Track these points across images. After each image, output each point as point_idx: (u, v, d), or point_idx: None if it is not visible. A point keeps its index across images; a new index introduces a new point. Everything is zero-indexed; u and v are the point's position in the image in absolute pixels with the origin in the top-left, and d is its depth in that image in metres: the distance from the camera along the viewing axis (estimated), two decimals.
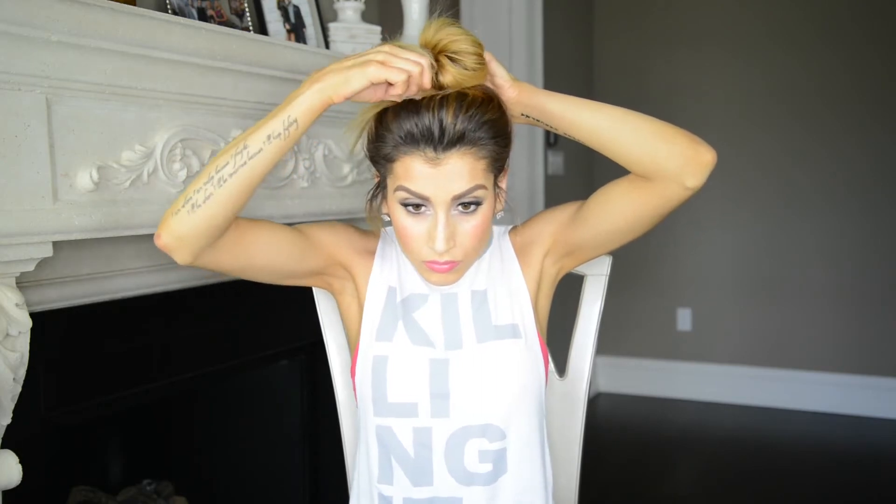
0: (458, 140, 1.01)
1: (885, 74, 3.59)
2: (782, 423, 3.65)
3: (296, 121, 1.00)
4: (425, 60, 0.98)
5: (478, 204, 1.06)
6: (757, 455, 3.25)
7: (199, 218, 1.02)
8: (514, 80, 1.08)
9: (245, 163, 1.00)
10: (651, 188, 1.06)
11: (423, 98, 1.01)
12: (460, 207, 1.05)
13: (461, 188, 1.03)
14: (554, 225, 1.19)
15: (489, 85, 1.08)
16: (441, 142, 1.00)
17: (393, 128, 1.03)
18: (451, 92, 1.01)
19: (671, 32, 3.94)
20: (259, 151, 1.00)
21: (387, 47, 0.99)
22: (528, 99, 1.08)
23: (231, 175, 1.01)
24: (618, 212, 1.11)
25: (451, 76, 1.01)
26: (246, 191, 1.03)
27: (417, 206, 1.05)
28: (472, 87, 1.04)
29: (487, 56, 1.05)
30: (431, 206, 1.05)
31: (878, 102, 3.61)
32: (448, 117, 1.00)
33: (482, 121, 1.02)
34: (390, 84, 0.98)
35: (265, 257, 1.12)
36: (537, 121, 1.10)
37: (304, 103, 1.00)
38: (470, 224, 1.07)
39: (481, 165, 1.04)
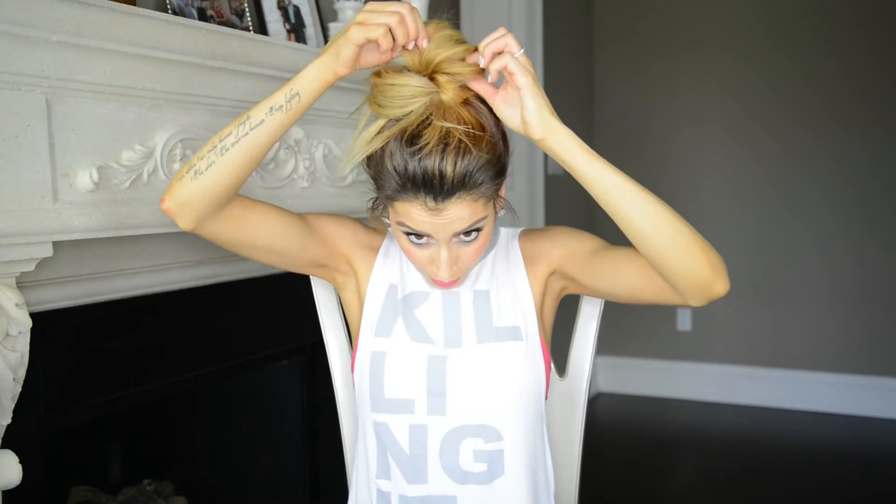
0: (458, 188, 1.00)
1: (885, 74, 3.59)
2: (782, 423, 3.65)
3: (297, 94, 1.01)
4: (404, 8, 0.97)
5: (479, 230, 1.06)
6: (757, 455, 3.25)
7: (200, 184, 1.03)
8: (547, 119, 1.00)
9: (247, 133, 1.02)
10: (656, 285, 1.08)
11: (420, 147, 0.98)
12: (462, 236, 1.06)
13: (462, 227, 1.03)
14: (567, 252, 1.18)
15: (510, 117, 1.02)
16: (441, 192, 0.99)
17: (392, 174, 1.01)
18: (448, 139, 0.98)
19: (671, 33, 3.94)
20: (261, 122, 1.02)
21: (368, 6, 0.99)
22: (554, 145, 1.01)
23: (233, 144, 1.02)
24: (620, 285, 1.13)
25: (450, 93, 1.00)
26: (247, 161, 1.03)
27: (419, 236, 1.06)
28: (467, 99, 1.02)
29: (525, 82, 0.99)
30: (433, 239, 1.05)
31: (878, 102, 3.61)
32: (447, 168, 0.98)
33: (480, 165, 1.00)
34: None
35: (266, 238, 1.13)
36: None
37: (307, 76, 1.01)
38: (472, 247, 1.08)
39: (481, 202, 1.03)
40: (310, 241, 1.17)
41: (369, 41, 0.97)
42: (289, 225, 1.14)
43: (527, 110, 1.00)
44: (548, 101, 1.01)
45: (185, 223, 1.07)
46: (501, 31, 1.00)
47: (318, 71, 1.01)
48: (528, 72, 0.99)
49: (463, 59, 1.01)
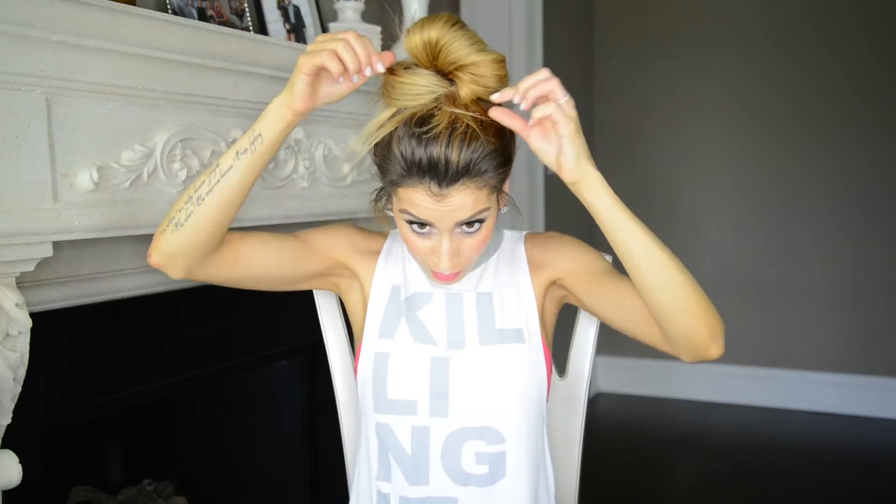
0: (462, 174, 1.00)
1: (885, 74, 3.59)
2: (782, 422, 3.65)
3: (260, 135, 1.03)
4: (351, 34, 0.98)
5: (481, 222, 1.06)
6: (757, 455, 3.25)
7: (182, 236, 1.05)
8: (582, 166, 1.00)
9: (218, 181, 1.04)
10: (651, 330, 1.09)
11: (428, 130, 0.98)
12: (464, 227, 1.06)
13: (465, 216, 1.03)
14: (573, 266, 1.18)
15: (545, 150, 1.02)
16: (445, 177, 0.99)
17: (398, 158, 1.01)
18: (456, 125, 0.99)
19: (671, 33, 3.93)
20: (230, 168, 1.04)
21: (318, 36, 1.01)
22: (586, 191, 1.02)
23: (208, 193, 1.04)
24: (616, 315, 1.14)
25: (469, 90, 1.00)
26: (224, 208, 1.05)
27: (422, 225, 1.06)
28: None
29: (567, 131, 0.98)
30: (436, 228, 1.05)
31: (878, 102, 3.61)
32: (452, 153, 0.98)
33: (485, 153, 1.00)
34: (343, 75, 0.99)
35: (258, 268, 1.15)
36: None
37: (267, 118, 1.03)
38: (474, 240, 1.08)
39: (485, 192, 1.03)
40: (303, 257, 1.18)
41: (318, 68, 0.99)
42: (276, 248, 1.15)
43: (564, 155, 1.00)
44: (586, 146, 1.01)
45: (175, 274, 1.09)
46: (545, 73, 0.98)
47: (277, 111, 1.02)
48: (572, 119, 0.98)
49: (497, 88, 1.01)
